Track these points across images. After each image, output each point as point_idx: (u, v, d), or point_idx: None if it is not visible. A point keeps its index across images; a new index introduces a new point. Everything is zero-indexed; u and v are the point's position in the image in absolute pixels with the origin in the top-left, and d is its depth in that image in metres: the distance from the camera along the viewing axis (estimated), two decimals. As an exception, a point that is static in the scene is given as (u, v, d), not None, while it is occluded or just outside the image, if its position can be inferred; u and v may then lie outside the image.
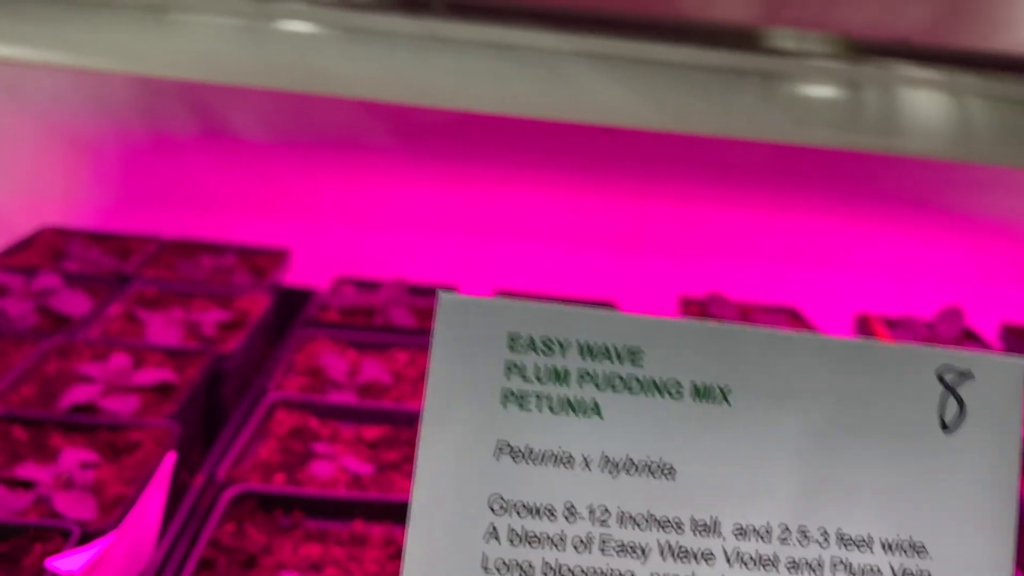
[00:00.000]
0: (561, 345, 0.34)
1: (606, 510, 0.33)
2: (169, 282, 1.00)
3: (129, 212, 1.15)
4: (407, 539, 0.33)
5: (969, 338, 1.04)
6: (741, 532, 0.34)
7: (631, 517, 0.33)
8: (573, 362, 0.34)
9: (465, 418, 0.33)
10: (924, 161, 1.02)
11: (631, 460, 0.34)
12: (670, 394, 0.34)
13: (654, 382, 0.34)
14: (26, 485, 0.66)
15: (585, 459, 0.33)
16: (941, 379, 0.34)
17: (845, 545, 0.34)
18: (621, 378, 0.34)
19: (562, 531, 0.33)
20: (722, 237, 1.15)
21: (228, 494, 0.67)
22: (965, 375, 0.34)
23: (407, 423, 0.79)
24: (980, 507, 0.34)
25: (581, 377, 0.34)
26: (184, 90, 1.10)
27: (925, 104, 0.57)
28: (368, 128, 1.11)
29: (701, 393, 0.34)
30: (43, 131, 1.14)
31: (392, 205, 1.14)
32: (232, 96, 1.10)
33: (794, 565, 0.34)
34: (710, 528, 0.34)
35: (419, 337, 0.94)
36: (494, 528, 0.33)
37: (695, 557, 0.33)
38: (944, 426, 0.34)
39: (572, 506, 0.33)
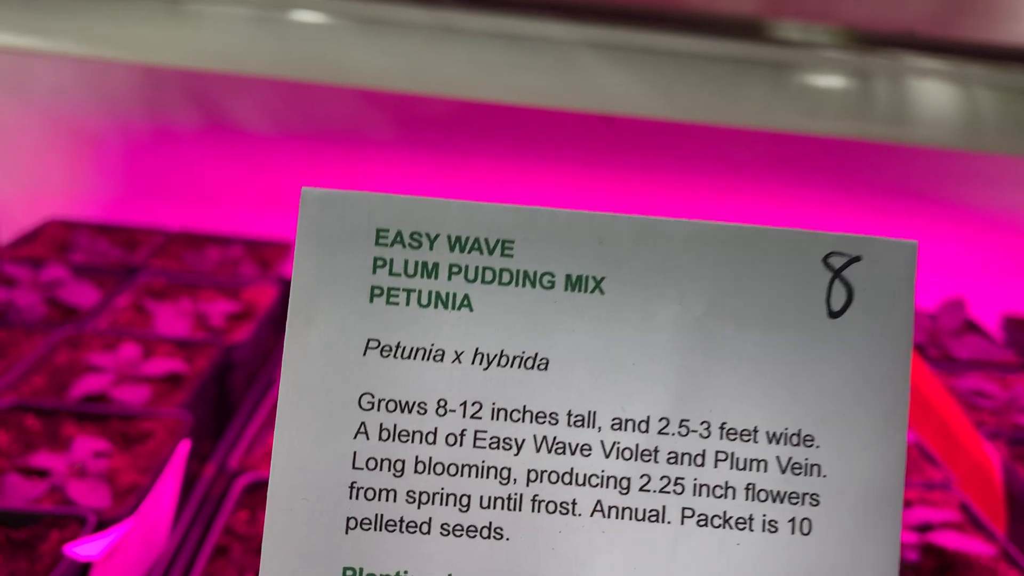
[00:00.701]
0: (430, 238, 0.32)
1: (479, 404, 0.32)
2: (176, 274, 1.00)
3: (134, 204, 1.16)
4: (275, 442, 0.32)
5: (971, 329, 1.05)
6: (619, 424, 0.32)
7: (505, 411, 0.32)
8: (442, 255, 0.32)
9: (332, 316, 0.32)
10: (926, 152, 1.03)
11: (504, 353, 0.32)
12: (542, 285, 0.33)
13: (525, 273, 0.33)
14: (40, 474, 0.67)
15: (457, 353, 0.32)
16: (827, 263, 0.33)
17: (728, 436, 0.33)
18: (492, 270, 0.33)
19: (434, 427, 0.32)
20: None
21: (241, 482, 0.67)
22: (853, 259, 0.33)
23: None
24: (870, 396, 0.33)
25: (451, 270, 0.33)
26: (190, 82, 1.10)
27: (932, 94, 0.58)
28: (375, 120, 1.11)
29: (574, 283, 0.33)
30: (48, 123, 1.14)
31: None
32: (240, 87, 1.10)
33: (675, 457, 0.32)
34: (586, 420, 0.32)
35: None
36: (364, 425, 0.32)
37: (571, 450, 0.32)
38: (831, 313, 0.33)
39: (444, 401, 0.32)
